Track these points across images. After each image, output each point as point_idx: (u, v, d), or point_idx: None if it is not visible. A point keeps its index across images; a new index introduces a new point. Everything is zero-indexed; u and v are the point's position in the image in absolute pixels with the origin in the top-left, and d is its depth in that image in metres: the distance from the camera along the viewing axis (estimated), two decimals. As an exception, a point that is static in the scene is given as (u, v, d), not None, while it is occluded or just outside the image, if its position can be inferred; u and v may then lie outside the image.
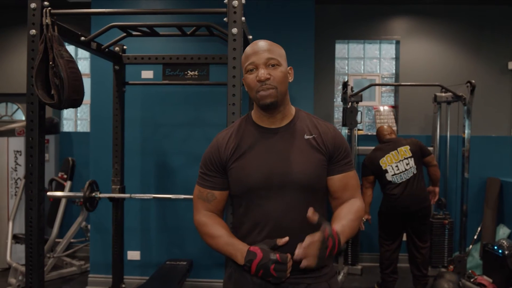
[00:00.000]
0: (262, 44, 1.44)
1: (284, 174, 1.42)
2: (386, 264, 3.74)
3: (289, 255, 1.34)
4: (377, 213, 3.81)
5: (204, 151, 1.55)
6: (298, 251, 1.25)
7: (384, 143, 3.75)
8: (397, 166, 3.59)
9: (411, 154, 3.61)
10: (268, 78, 1.39)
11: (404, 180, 3.57)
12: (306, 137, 1.47)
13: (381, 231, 3.77)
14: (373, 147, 3.86)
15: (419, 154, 3.65)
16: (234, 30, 2.13)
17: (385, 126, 3.88)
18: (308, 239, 1.25)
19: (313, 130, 1.49)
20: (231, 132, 1.52)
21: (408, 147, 3.63)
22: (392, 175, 3.58)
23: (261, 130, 1.49)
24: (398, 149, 3.62)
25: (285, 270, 1.32)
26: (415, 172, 3.58)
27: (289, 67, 1.49)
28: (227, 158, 1.47)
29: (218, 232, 1.45)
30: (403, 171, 3.58)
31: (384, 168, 3.60)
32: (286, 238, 1.38)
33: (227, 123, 2.12)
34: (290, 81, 1.49)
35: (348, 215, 1.43)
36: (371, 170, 3.68)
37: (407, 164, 3.59)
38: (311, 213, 1.29)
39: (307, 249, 1.24)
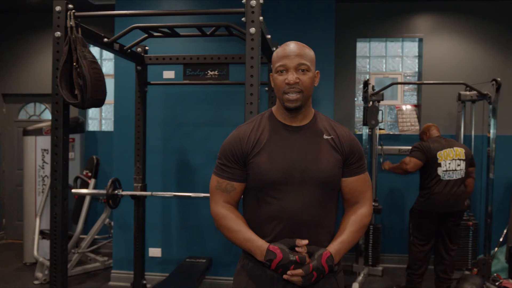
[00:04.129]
0: (294, 47, 1.48)
1: (304, 170, 1.47)
2: (419, 265, 3.71)
3: (307, 256, 1.41)
4: (404, 217, 3.80)
5: (223, 142, 1.57)
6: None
7: (434, 138, 3.73)
8: (450, 163, 3.60)
9: (464, 157, 3.64)
10: (296, 82, 1.46)
11: (451, 179, 3.59)
12: (326, 137, 1.53)
13: (416, 231, 3.73)
14: (396, 147, 3.83)
15: (469, 162, 3.68)
16: (252, 30, 2.15)
17: (432, 124, 3.89)
18: (290, 272, 1.37)
19: (331, 131, 1.55)
20: (252, 126, 1.55)
21: (463, 150, 3.66)
22: (444, 170, 3.59)
23: (283, 127, 1.53)
24: (454, 148, 3.64)
25: None
26: (462, 176, 3.63)
27: (317, 71, 1.55)
28: (249, 151, 1.50)
29: (237, 226, 1.48)
30: (453, 170, 3.60)
31: (439, 161, 3.59)
32: (306, 241, 1.42)
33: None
34: (316, 85, 1.55)
35: (351, 226, 1.52)
36: (426, 157, 3.63)
37: (458, 165, 3.61)
38: (301, 246, 1.42)
39: (291, 278, 1.38)
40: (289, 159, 1.47)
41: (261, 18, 2.18)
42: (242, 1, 2.16)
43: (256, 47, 2.15)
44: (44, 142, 4.67)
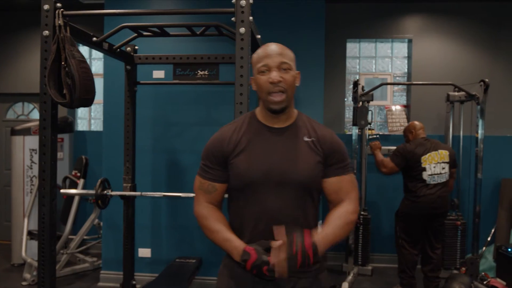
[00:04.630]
0: (275, 47, 1.49)
1: (283, 172, 1.48)
2: (412, 268, 3.73)
3: None
4: (394, 217, 3.83)
5: (206, 143, 1.58)
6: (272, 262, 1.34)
7: (420, 139, 3.72)
8: (435, 167, 3.61)
9: (448, 160, 3.66)
10: (280, 81, 1.45)
11: (437, 182, 3.61)
12: (306, 139, 1.53)
13: (404, 234, 3.73)
14: (385, 147, 3.86)
15: (452, 164, 3.71)
16: (242, 30, 2.15)
17: (418, 123, 3.83)
18: (274, 254, 1.33)
19: (312, 133, 1.54)
20: (235, 127, 1.56)
21: (447, 152, 3.68)
22: (429, 175, 3.60)
23: (264, 128, 1.54)
24: (439, 150, 3.65)
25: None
26: (447, 178, 3.66)
27: (297, 72, 1.53)
28: (229, 152, 1.51)
29: (217, 226, 1.50)
30: (438, 174, 3.61)
31: (423, 166, 3.59)
32: (280, 242, 1.40)
33: (234, 122, 2.13)
34: (297, 85, 1.53)
35: (336, 220, 1.49)
36: (406, 162, 3.63)
37: (442, 169, 3.63)
38: (277, 233, 1.36)
39: (276, 264, 1.33)
40: (269, 160, 1.48)
41: (251, 18, 2.19)
42: (232, 1, 2.16)
43: (246, 47, 2.16)
44: (33, 142, 4.63)
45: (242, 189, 1.51)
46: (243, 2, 2.15)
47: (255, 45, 2.60)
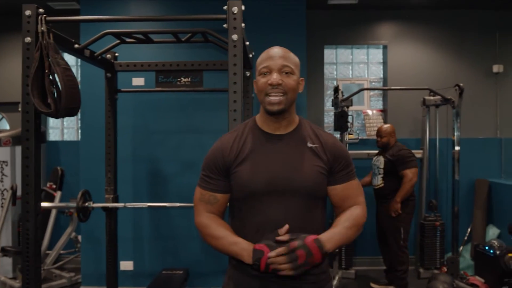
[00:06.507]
0: (279, 50, 1.47)
1: (286, 180, 1.42)
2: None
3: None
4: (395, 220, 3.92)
5: (206, 154, 1.53)
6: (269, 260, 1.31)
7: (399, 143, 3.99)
8: None
9: None
10: (279, 84, 1.41)
11: None
12: (309, 145, 1.48)
13: (407, 234, 3.86)
14: (364, 151, 3.98)
15: None
16: (235, 37, 2.12)
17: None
18: (272, 253, 1.31)
19: (315, 139, 1.50)
20: (235, 136, 1.51)
21: None
22: None
23: (266, 136, 1.49)
24: None
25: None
26: None
27: (301, 78, 1.51)
28: (231, 161, 1.46)
29: (221, 233, 1.44)
30: None
31: None
32: (286, 226, 1.37)
33: (228, 129, 2.10)
34: (300, 91, 1.49)
35: (345, 222, 1.45)
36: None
37: None
38: (283, 233, 1.35)
39: (274, 262, 1.30)
40: (272, 169, 1.43)
41: (243, 24, 2.16)
42: (224, 8, 2.13)
43: (239, 54, 2.13)
44: (2, 153, 4.41)
45: (244, 200, 1.45)
46: (235, 9, 2.12)
47: (245, 52, 2.58)
